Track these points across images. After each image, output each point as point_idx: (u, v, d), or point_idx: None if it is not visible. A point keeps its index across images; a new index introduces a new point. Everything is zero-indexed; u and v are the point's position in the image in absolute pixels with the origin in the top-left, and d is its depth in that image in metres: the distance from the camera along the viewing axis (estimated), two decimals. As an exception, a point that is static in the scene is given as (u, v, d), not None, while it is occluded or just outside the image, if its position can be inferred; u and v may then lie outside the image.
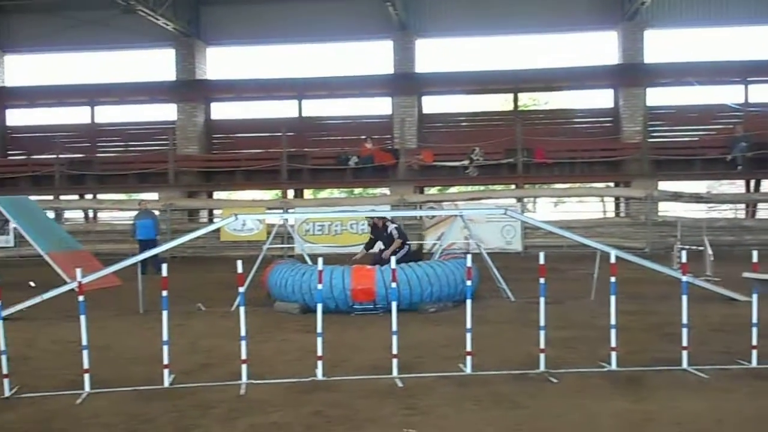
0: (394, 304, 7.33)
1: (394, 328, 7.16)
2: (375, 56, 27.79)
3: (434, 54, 27.67)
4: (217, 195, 27.86)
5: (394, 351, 7.17)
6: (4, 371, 6.77)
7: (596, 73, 26.64)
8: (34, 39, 28.48)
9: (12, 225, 18.71)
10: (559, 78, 26.87)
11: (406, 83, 26.89)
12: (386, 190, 26.39)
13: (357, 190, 32.29)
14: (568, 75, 26.59)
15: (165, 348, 6.98)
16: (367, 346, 8.72)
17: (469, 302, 7.32)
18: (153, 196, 26.85)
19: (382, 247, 13.67)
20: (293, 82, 27.42)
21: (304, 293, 11.33)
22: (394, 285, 7.60)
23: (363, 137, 25.87)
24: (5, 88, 28.98)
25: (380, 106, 27.89)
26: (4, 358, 6.77)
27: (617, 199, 26.67)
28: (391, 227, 13.83)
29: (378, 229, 14.06)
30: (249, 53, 28.87)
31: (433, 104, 27.98)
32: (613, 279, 7.48)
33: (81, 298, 6.97)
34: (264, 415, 6.02)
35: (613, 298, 7.41)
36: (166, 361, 6.99)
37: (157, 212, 21.04)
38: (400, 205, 23.41)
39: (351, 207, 23.98)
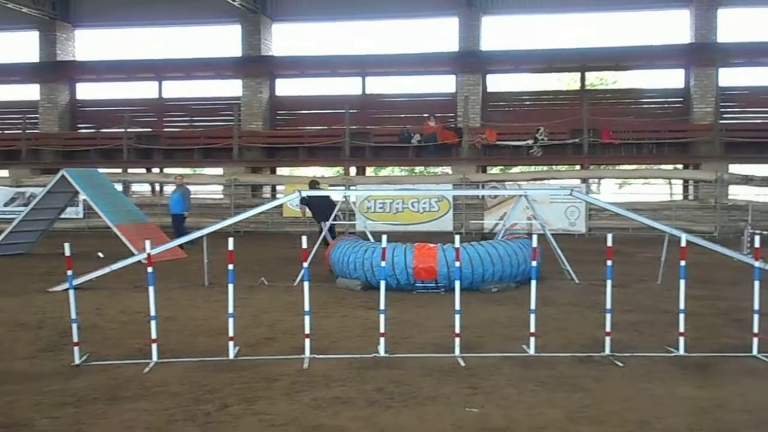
0: (457, 283, 7.28)
1: (457, 306, 7.12)
2: (440, 33, 27.56)
3: (500, 31, 27.33)
4: (280, 171, 28.09)
5: (457, 330, 7.13)
6: (75, 339, 6.93)
7: (667, 53, 25.98)
8: (103, 14, 29.00)
9: (82, 197, 19.13)
10: (628, 57, 26.30)
11: (470, 61, 26.64)
12: (448, 169, 26.26)
13: (418, 169, 32.20)
14: (638, 54, 26.01)
15: (230, 320, 7.06)
16: (429, 325, 8.70)
17: (534, 283, 7.22)
18: (217, 170, 27.22)
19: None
20: (357, 59, 27.38)
21: (366, 270, 11.35)
22: (457, 264, 7.53)
23: (426, 115, 25.75)
24: (76, 62, 29.58)
25: (444, 83, 27.73)
26: (74, 326, 6.92)
27: (686, 181, 26.08)
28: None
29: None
30: (314, 30, 28.91)
31: (497, 82, 27.69)
32: (682, 263, 7.29)
33: (150, 269, 7.08)
34: (327, 390, 6.04)
35: (682, 283, 7.23)
36: (231, 334, 7.07)
37: (191, 188, 21.17)
38: (462, 184, 23.28)
39: (413, 185, 23.98)
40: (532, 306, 7.16)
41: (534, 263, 7.38)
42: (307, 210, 15.83)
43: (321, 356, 7.04)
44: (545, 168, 25.20)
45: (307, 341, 7.07)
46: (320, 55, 27.78)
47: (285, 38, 28.80)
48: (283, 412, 5.49)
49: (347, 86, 28.30)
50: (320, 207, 15.23)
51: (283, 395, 5.91)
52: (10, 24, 29.07)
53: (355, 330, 8.47)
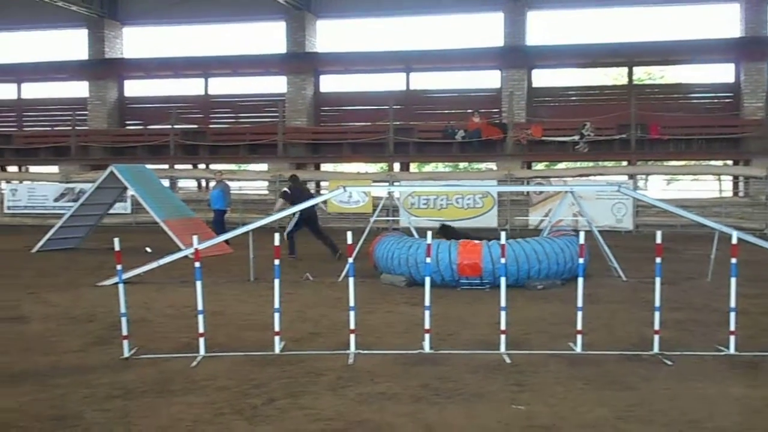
0: (503, 280, 7.22)
1: (503, 303, 7.07)
2: (484, 28, 27.40)
3: (545, 26, 27.07)
4: (324, 167, 28.18)
5: (503, 327, 7.09)
6: (124, 333, 7.03)
7: (716, 47, 25.51)
8: (151, 12, 29.36)
9: (130, 192, 19.41)
10: (676, 51, 25.89)
11: (516, 56, 26.45)
12: (493, 165, 26.11)
13: (462, 165, 32.05)
14: (686, 48, 25.58)
15: (276, 315, 7.11)
16: (474, 321, 8.67)
17: (580, 280, 7.14)
18: (262, 167, 27.41)
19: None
20: (401, 54, 27.36)
21: (411, 266, 11.34)
22: (503, 261, 7.48)
23: (470, 111, 25.64)
24: (124, 59, 30.01)
25: (489, 79, 27.57)
26: (124, 320, 7.02)
27: (735, 178, 25.59)
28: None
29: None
30: (358, 26, 28.95)
31: (543, 78, 27.45)
32: (733, 260, 7.16)
33: (197, 264, 7.15)
34: (372, 385, 6.05)
35: (733, 281, 7.09)
36: (277, 328, 7.12)
37: (235, 184, 21.44)
38: (507, 180, 23.15)
39: (457, 181, 23.90)
40: (579, 303, 7.08)
41: (581, 260, 7.30)
42: (280, 203, 16.08)
43: (366, 352, 7.05)
44: (591, 164, 24.93)
45: (353, 337, 7.09)
46: (364, 51, 27.82)
47: (329, 34, 28.89)
48: (329, 406, 5.51)
49: (391, 82, 28.29)
50: (301, 201, 15.50)
51: (328, 390, 5.93)
52: (59, 22, 29.58)
53: (400, 326, 8.46)
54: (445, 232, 14.08)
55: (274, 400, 5.65)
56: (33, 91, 31.17)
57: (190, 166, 28.11)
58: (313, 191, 26.73)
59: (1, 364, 6.76)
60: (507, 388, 5.98)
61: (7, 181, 28.11)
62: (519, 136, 24.49)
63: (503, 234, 7.51)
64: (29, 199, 26.52)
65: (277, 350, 7.08)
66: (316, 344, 7.52)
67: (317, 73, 28.65)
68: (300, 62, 28.03)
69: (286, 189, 15.95)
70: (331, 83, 29.09)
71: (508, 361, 6.78)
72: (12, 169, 29.88)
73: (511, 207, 23.49)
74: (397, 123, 25.34)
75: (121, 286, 7.06)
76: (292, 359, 6.86)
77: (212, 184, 26.86)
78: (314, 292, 10.94)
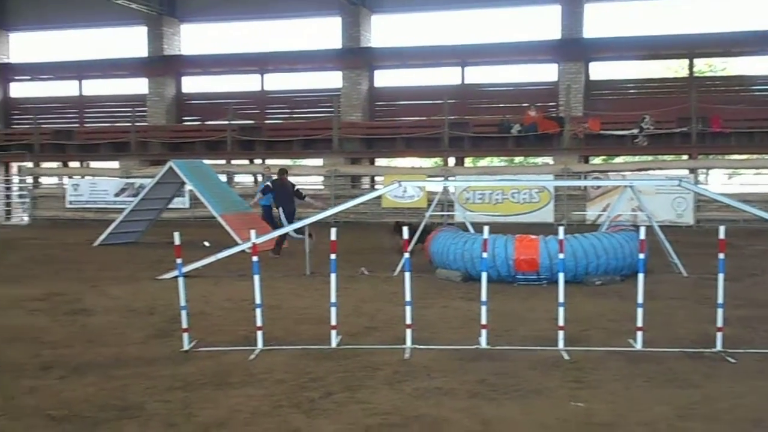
0: (561, 276, 7.14)
1: (561, 299, 6.99)
2: (541, 21, 27.10)
3: (603, 18, 26.65)
4: (379, 162, 28.23)
5: (561, 323, 7.01)
6: (184, 326, 7.14)
7: (781, 37, 24.82)
8: (208, 9, 29.72)
9: (188, 187, 19.68)
10: (739, 42, 25.27)
11: (573, 49, 26.11)
12: (549, 159, 25.85)
13: (518, 159, 31.81)
14: (750, 39, 24.95)
15: (333, 310, 7.14)
16: (531, 317, 8.60)
17: (641, 276, 7.03)
18: (318, 161, 27.56)
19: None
20: (456, 48, 27.22)
21: (466, 261, 11.29)
22: (561, 256, 7.40)
23: (526, 105, 25.40)
24: (182, 56, 30.43)
25: (545, 72, 27.28)
26: (184, 313, 7.13)
27: (800, 171, 24.90)
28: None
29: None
30: (413, 20, 28.88)
31: (601, 70, 27.05)
32: (800, 256, 6.96)
33: (255, 258, 7.22)
34: (428, 380, 6.04)
35: (800, 277, 6.91)
36: (333, 323, 7.15)
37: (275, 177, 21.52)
38: (564, 175, 22.88)
39: (513, 176, 23.72)
40: (639, 300, 6.97)
41: (641, 256, 7.18)
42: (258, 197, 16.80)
43: (422, 347, 7.04)
44: (650, 158, 24.47)
45: (409, 331, 7.09)
46: (419, 46, 27.73)
47: (384, 29, 28.87)
48: (386, 401, 5.52)
49: (446, 76, 28.17)
50: (284, 195, 15.94)
51: (385, 384, 5.94)
52: (120, 20, 30.11)
53: (456, 321, 8.44)
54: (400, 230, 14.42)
55: (332, 394, 5.68)
56: (94, 88, 31.83)
57: (246, 161, 28.41)
58: (367, 186, 26.78)
59: (67, 356, 6.93)
60: (565, 384, 5.92)
61: (70, 176, 28.76)
62: (576, 130, 24.17)
63: (561, 229, 7.42)
64: (91, 193, 27.08)
65: (333, 344, 7.12)
66: (372, 339, 7.54)
67: (372, 68, 28.68)
68: (355, 57, 28.10)
69: (268, 183, 16.44)
70: (386, 78, 29.09)
71: (566, 357, 6.70)
72: (74, 164, 30.57)
73: (568, 202, 23.22)
74: (452, 117, 25.24)
75: (180, 280, 7.17)
76: (348, 353, 6.89)
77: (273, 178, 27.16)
78: (370, 287, 10.97)
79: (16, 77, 32.47)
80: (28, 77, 32.48)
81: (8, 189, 30.52)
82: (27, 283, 11.52)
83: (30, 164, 28.80)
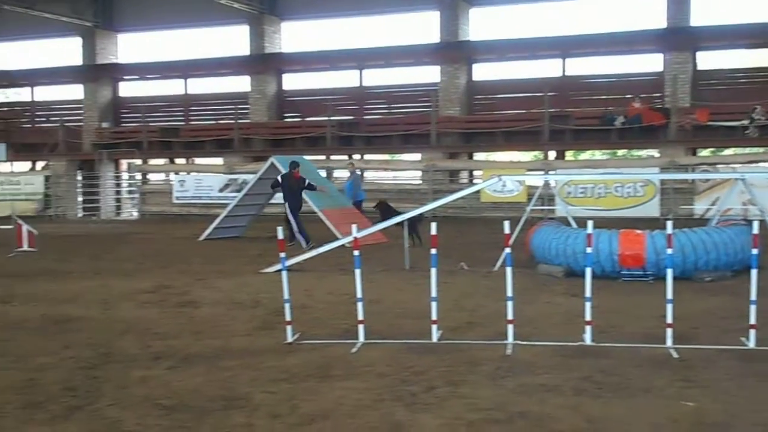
0: (669, 272, 6.90)
1: (669, 296, 6.77)
2: (644, 10, 26.31)
3: (711, 5, 25.68)
4: (477, 156, 28.02)
5: (669, 320, 6.79)
6: (288, 318, 7.25)
7: None
8: (308, 6, 30.10)
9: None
10: None
11: (679, 38, 25.26)
12: (654, 152, 25.13)
13: (621, 152, 31.03)
14: None
15: (433, 304, 7.12)
16: (637, 314, 8.37)
17: (754, 272, 6.74)
18: (416, 156, 27.58)
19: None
20: (557, 40, 26.69)
21: (569, 257, 11.09)
22: (670, 251, 7.16)
23: (630, 96, 24.76)
24: (282, 54, 30.93)
25: (649, 62, 26.49)
26: (287, 306, 7.25)
27: None
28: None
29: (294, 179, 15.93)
30: (512, 12, 28.52)
31: (709, 59, 26.09)
32: None
33: (356, 252, 7.27)
34: (532, 376, 5.95)
35: None
36: (434, 317, 7.13)
37: (359, 172, 21.86)
38: (670, 168, 22.21)
39: (616, 169, 23.19)
40: (752, 296, 6.69)
41: (754, 251, 6.88)
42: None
43: (525, 342, 6.95)
44: (762, 149, 23.47)
45: (510, 327, 7.00)
46: (518, 38, 27.33)
47: (483, 23, 28.62)
48: (488, 396, 5.47)
49: (546, 69, 27.69)
50: (290, 189, 15.91)
51: (487, 380, 5.89)
52: (222, 19, 30.80)
53: (558, 317, 8.30)
54: (383, 209, 15.17)
55: (434, 388, 5.66)
56: (198, 86, 32.71)
57: (345, 157, 28.69)
58: (465, 180, 26.64)
59: (175, 347, 7.14)
60: (674, 383, 5.73)
61: (176, 173, 29.69)
62: (683, 122, 23.42)
63: (669, 224, 7.19)
64: (196, 189, 27.89)
65: (434, 339, 7.10)
66: (473, 334, 7.49)
67: (470, 62, 28.47)
68: (453, 51, 27.93)
69: (277, 177, 16.36)
70: (484, 71, 28.84)
71: (675, 355, 6.49)
72: (180, 161, 31.53)
73: (675, 195, 22.51)
74: (553, 110, 24.84)
75: (284, 273, 7.28)
76: (449, 348, 6.86)
77: (369, 174, 27.45)
78: (470, 282, 10.91)
79: (125, 77, 33.67)
80: (136, 77, 33.63)
81: (118, 185, 31.76)
82: (137, 277, 11.96)
83: (138, 161, 29.89)
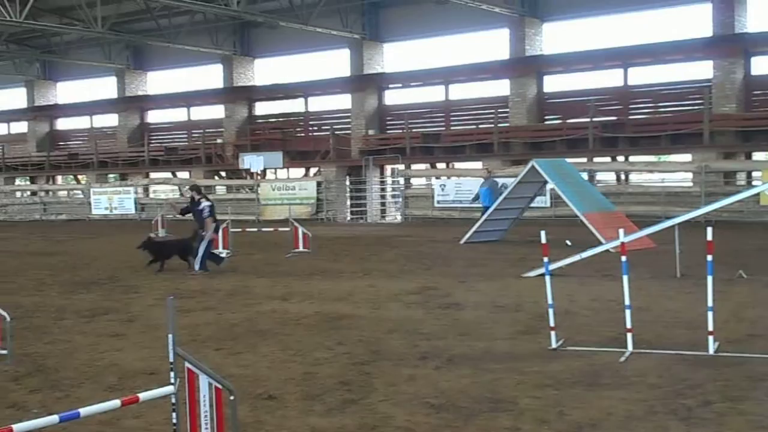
0: None
1: None
2: None
3: None
4: (756, 156, 25.96)
5: None
6: (551, 324, 7.14)
7: None
8: (569, 6, 29.53)
9: (549, 186, 19.74)
10: None
11: None
12: None
13: None
14: None
15: (709, 314, 6.69)
16: None
17: None
18: (685, 157, 26.10)
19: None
20: None
21: None
22: None
23: None
24: (543, 56, 30.58)
25: None
26: (551, 311, 7.14)
27: None
28: (204, 204, 13.85)
29: (192, 202, 14.23)
30: None
31: None
32: None
33: (623, 258, 7.01)
34: (826, 397, 5.40)
35: None
36: (710, 328, 6.69)
37: (499, 180, 21.16)
38: None
39: None
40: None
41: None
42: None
43: (817, 359, 6.32)
44: None
45: (800, 341, 6.41)
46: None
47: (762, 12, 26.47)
48: (774, 416, 5.03)
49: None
50: (196, 214, 13.98)
51: (773, 397, 5.42)
52: (482, 24, 30.97)
53: None
54: (149, 246, 14.01)
55: (711, 403, 5.32)
56: (459, 92, 33.24)
57: (608, 159, 27.82)
58: (743, 182, 24.78)
59: (441, 347, 7.29)
60: None
61: (437, 177, 30.39)
62: None
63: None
64: (456, 193, 28.36)
65: (710, 351, 6.66)
66: (755, 347, 6.95)
67: (748, 55, 26.43)
68: (728, 45, 26.05)
69: (209, 204, 14.24)
70: (764, 65, 26.63)
71: None
72: (440, 165, 32.23)
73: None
74: None
75: (547, 278, 7.18)
76: (728, 361, 6.41)
77: (636, 176, 26.43)
78: (750, 291, 10.15)
79: (390, 85, 35.01)
80: (400, 85, 34.86)
81: (383, 190, 33.11)
82: (402, 278, 12.37)
83: (401, 166, 30.95)
